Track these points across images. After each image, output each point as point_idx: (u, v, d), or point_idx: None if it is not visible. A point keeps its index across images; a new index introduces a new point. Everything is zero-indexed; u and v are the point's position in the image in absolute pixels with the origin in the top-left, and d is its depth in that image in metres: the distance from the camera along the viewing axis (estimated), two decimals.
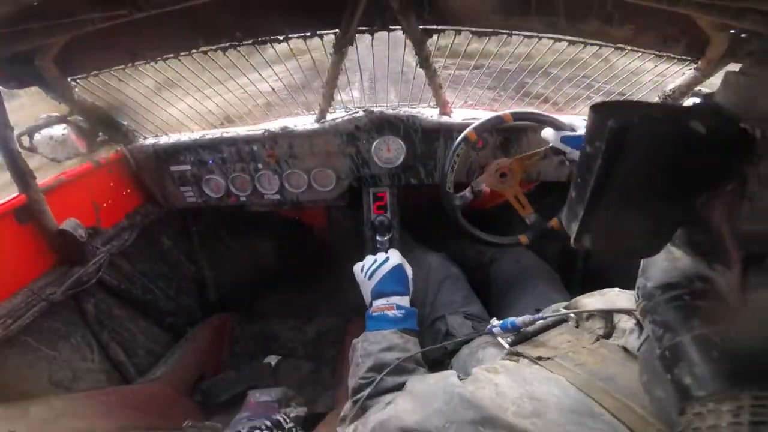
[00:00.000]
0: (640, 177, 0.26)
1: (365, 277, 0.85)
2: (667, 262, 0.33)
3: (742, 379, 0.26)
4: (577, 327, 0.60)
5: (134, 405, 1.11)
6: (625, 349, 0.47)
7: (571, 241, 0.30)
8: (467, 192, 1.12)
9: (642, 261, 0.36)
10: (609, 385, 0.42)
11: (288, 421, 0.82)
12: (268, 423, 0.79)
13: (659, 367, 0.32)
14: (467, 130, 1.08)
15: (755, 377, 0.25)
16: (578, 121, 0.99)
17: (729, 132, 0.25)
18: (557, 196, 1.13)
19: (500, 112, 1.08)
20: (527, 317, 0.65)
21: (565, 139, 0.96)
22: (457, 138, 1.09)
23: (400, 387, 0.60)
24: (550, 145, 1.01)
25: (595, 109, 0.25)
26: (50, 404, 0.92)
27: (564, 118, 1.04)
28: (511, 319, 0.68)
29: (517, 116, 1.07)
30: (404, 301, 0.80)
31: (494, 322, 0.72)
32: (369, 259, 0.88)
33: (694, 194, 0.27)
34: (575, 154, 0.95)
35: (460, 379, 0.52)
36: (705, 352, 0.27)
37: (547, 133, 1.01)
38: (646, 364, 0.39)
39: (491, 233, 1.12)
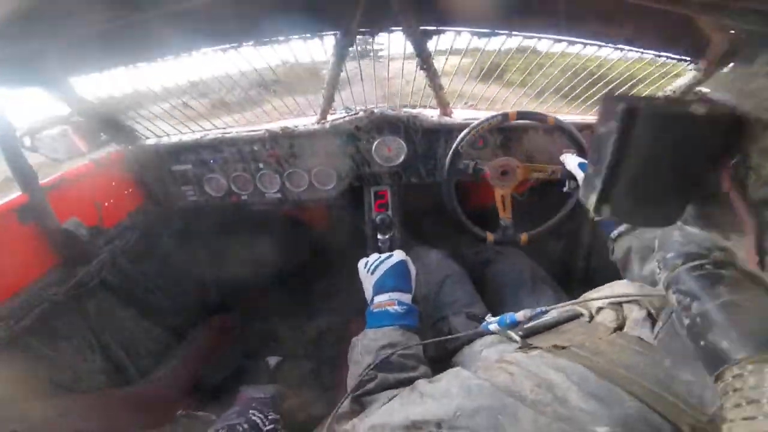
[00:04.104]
0: (650, 151, 0.29)
1: (368, 272, 0.83)
2: (682, 237, 0.35)
3: None
4: (589, 322, 0.58)
5: (135, 406, 1.11)
6: (642, 340, 0.45)
7: (591, 212, 0.33)
8: (470, 163, 1.09)
9: (657, 239, 0.38)
10: (633, 373, 0.40)
11: (266, 422, 0.81)
12: (246, 425, 0.79)
13: (687, 339, 0.32)
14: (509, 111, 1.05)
15: None
16: None
17: (726, 116, 0.28)
18: (539, 215, 1.12)
19: (507, 110, 1.07)
20: (527, 311, 0.62)
21: (582, 166, 0.95)
22: (457, 138, 1.09)
23: (401, 384, 0.59)
24: (566, 167, 1.01)
25: (606, 96, 0.30)
26: (52, 405, 0.92)
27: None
28: (509, 314, 0.64)
29: (521, 115, 1.07)
30: (406, 297, 0.78)
31: (489, 318, 0.68)
32: (374, 256, 0.87)
33: (701, 168, 0.30)
34: None
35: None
36: (737, 317, 0.29)
37: (567, 158, 1.01)
38: (668, 347, 0.39)
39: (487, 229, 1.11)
